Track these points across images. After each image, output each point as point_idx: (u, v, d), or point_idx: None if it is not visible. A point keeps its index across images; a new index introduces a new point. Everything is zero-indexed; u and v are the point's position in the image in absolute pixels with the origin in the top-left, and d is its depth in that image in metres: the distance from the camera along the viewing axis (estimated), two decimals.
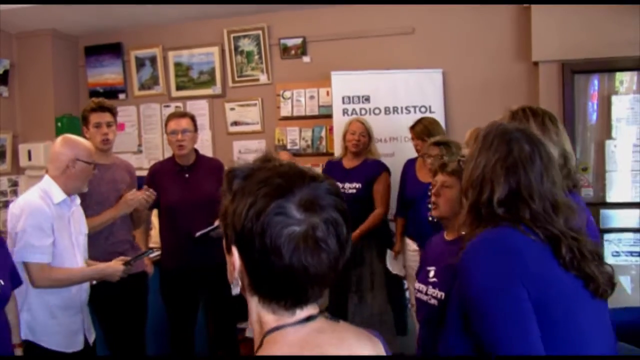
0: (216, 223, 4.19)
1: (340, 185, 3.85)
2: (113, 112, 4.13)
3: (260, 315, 1.20)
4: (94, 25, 6.47)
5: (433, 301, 2.31)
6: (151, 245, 4.72)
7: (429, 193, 2.73)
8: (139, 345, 4.17)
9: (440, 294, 2.28)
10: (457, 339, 1.79)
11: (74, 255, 3.34)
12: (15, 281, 2.92)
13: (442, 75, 5.68)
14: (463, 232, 1.94)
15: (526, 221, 1.77)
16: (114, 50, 6.76)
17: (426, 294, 2.37)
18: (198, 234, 4.15)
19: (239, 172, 1.20)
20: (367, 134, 5.01)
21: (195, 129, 4.46)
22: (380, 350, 1.28)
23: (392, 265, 4.87)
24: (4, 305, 2.79)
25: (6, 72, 6.52)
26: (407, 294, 5.07)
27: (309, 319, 1.18)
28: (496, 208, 1.80)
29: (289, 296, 1.17)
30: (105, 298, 3.72)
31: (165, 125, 4.49)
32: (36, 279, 3.11)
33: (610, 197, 5.29)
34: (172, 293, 4.42)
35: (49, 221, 3.17)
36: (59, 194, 3.26)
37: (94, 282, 3.64)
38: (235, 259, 1.18)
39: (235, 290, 1.23)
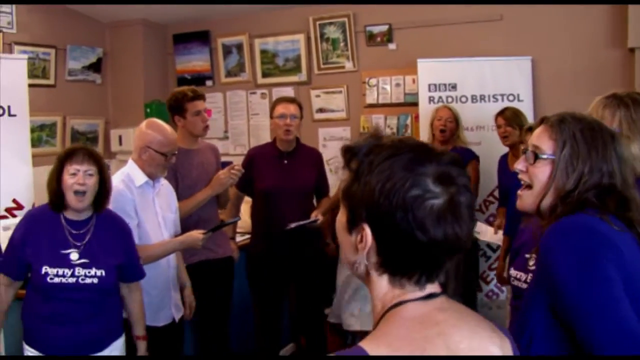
0: (312, 217, 4.39)
1: None
2: (205, 100, 4.30)
3: (386, 291, 1.22)
4: (183, 14, 6.85)
5: None
6: (239, 230, 4.95)
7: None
8: (222, 329, 4.36)
9: None
10: (544, 330, 1.77)
11: (161, 234, 3.58)
12: (127, 276, 3.23)
13: (531, 62, 5.69)
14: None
15: (624, 214, 1.77)
16: (202, 38, 7.12)
17: (526, 282, 2.32)
18: (291, 226, 4.28)
19: (357, 149, 1.22)
20: (454, 120, 5.14)
21: (302, 116, 4.57)
22: (508, 349, 1.25)
23: (485, 235, 4.91)
24: (105, 295, 3.11)
25: (99, 60, 7.01)
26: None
27: (431, 296, 1.20)
28: (591, 198, 1.78)
29: (425, 270, 1.19)
30: (191, 281, 3.94)
31: (272, 109, 4.57)
32: None
33: None
34: (259, 278, 4.56)
35: (131, 204, 3.41)
36: (140, 177, 3.50)
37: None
38: (367, 236, 1.18)
39: (360, 270, 1.24)
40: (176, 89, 4.40)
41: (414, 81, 6.09)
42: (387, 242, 1.18)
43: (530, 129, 4.29)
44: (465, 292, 5.08)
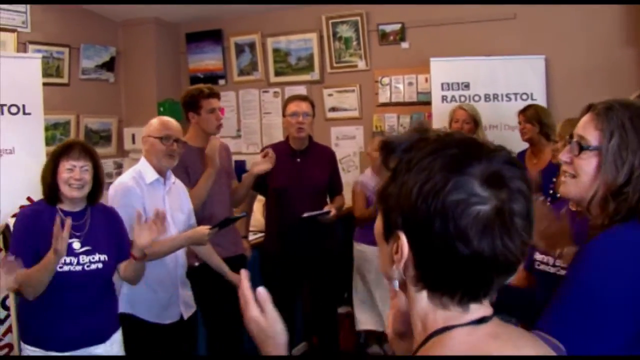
0: (326, 209, 4.43)
1: None
2: (219, 98, 4.31)
3: (427, 311, 1.08)
4: (195, 13, 6.90)
5: (562, 272, 2.17)
6: (251, 229, 4.98)
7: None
8: (234, 328, 4.32)
9: None
10: None
11: (170, 233, 3.57)
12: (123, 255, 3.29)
13: (544, 61, 5.69)
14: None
15: None
16: (214, 36, 7.18)
17: (554, 265, 2.27)
18: (306, 215, 4.32)
19: (397, 144, 1.07)
20: (471, 121, 5.12)
21: (314, 114, 4.60)
22: None
23: None
24: (107, 282, 3.22)
25: (112, 59, 7.08)
26: None
27: (482, 320, 1.06)
28: None
29: (468, 288, 1.05)
30: (204, 279, 3.99)
31: (284, 107, 4.60)
32: None
33: None
34: (272, 277, 4.54)
35: (139, 201, 3.46)
36: (151, 174, 3.56)
37: (196, 264, 3.99)
38: (403, 246, 1.05)
39: (395, 285, 1.11)
40: (192, 86, 4.44)
41: (426, 80, 6.11)
42: (424, 254, 1.04)
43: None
44: None
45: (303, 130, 4.48)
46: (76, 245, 3.07)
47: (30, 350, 3.05)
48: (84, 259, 3.07)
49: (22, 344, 3.11)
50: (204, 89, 4.25)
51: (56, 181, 3.04)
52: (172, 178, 3.73)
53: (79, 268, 3.04)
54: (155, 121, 3.66)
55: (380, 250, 1.13)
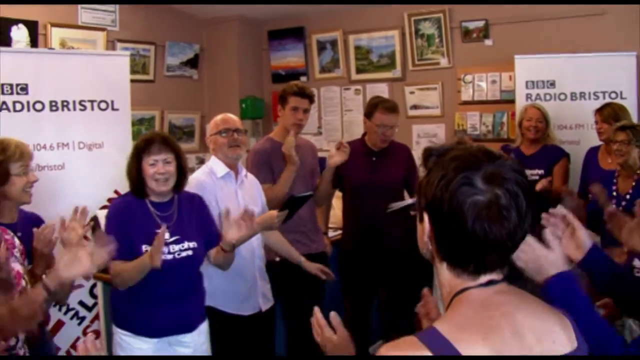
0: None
1: None
2: (311, 100, 4.36)
3: (449, 279, 1.40)
4: (278, 10, 7.04)
5: None
6: (330, 225, 5.06)
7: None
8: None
9: None
10: None
11: None
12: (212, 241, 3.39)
13: (636, 59, 5.52)
14: None
15: None
16: (296, 34, 7.30)
17: None
18: (393, 206, 4.40)
19: (435, 151, 1.41)
20: (544, 120, 5.11)
21: None
22: (570, 332, 1.39)
23: None
24: (198, 266, 3.33)
25: (196, 56, 7.32)
26: None
27: (491, 282, 1.37)
28: None
29: (471, 261, 1.35)
30: (284, 274, 4.09)
31: (370, 110, 4.59)
32: None
33: None
34: (349, 274, 4.65)
35: (212, 193, 3.60)
36: (221, 169, 3.70)
37: (277, 259, 4.10)
38: (425, 225, 1.39)
39: (426, 255, 1.45)
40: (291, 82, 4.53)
41: (510, 78, 6.05)
42: (439, 231, 1.37)
43: (622, 128, 4.20)
44: None
45: (386, 142, 4.58)
46: (166, 235, 3.15)
47: (121, 333, 3.19)
48: (174, 248, 3.18)
49: (114, 327, 3.24)
50: (294, 85, 4.36)
51: (142, 177, 3.16)
52: (244, 172, 3.86)
53: (169, 257, 3.14)
54: (213, 119, 3.81)
55: (418, 229, 1.48)
